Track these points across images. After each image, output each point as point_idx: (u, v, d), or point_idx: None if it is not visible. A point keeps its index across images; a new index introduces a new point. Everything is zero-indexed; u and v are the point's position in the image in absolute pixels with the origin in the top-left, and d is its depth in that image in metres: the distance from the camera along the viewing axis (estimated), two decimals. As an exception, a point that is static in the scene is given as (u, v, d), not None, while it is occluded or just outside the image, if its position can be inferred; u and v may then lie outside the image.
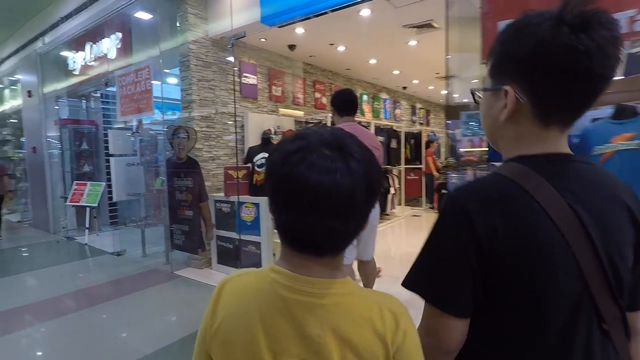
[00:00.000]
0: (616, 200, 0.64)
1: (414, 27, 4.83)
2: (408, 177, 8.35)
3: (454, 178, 7.58)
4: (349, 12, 3.79)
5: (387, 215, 7.17)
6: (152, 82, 4.33)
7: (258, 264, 3.91)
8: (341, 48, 5.74)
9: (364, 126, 4.18)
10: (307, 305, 0.56)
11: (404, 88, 9.34)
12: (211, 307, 0.62)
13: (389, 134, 7.45)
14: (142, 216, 5.31)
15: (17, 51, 7.22)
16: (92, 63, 5.84)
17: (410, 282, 0.68)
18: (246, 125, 5.10)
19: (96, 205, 5.85)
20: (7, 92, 8.89)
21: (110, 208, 6.86)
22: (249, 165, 4.29)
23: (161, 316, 3.26)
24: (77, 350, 2.69)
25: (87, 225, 5.92)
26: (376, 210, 2.90)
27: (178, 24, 4.39)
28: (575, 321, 0.60)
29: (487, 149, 2.81)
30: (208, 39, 4.52)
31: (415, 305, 0.71)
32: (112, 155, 5.51)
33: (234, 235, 4.10)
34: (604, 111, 2.36)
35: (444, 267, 0.64)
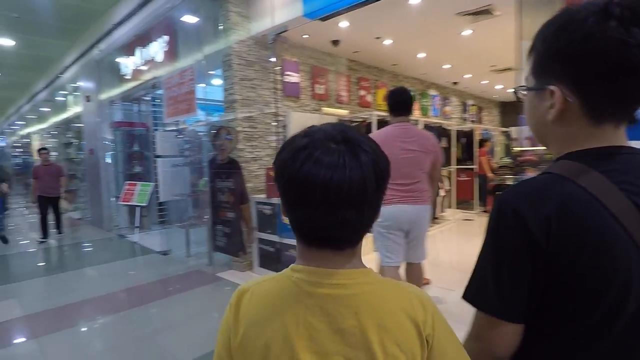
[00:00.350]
0: None
1: (469, 14, 4.41)
2: (459, 179, 7.82)
3: (510, 180, 7.03)
4: (397, 0, 3.51)
5: (437, 218, 6.73)
6: (196, 83, 4.35)
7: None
8: (388, 42, 5.43)
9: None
10: (337, 298, 0.55)
11: (455, 83, 8.80)
12: (231, 316, 0.61)
13: (438, 132, 6.97)
14: (187, 217, 5.37)
15: (77, 59, 7.69)
16: (142, 67, 6.03)
17: (470, 295, 0.65)
18: (288, 125, 4.97)
19: (145, 204, 6.03)
20: (71, 98, 9.57)
21: (159, 208, 7.09)
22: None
23: (201, 321, 3.18)
24: (114, 353, 2.68)
25: (137, 224, 6.15)
26: (428, 211, 2.67)
27: (221, 24, 4.36)
28: (637, 322, 0.56)
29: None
30: (250, 37, 4.44)
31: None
32: (159, 157, 5.64)
33: (275, 238, 3.98)
34: None
35: (499, 273, 0.61)
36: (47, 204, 6.17)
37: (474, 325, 0.66)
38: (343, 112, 5.94)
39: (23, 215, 9.38)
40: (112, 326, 3.12)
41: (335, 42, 5.30)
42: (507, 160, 7.91)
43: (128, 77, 6.52)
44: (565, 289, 0.57)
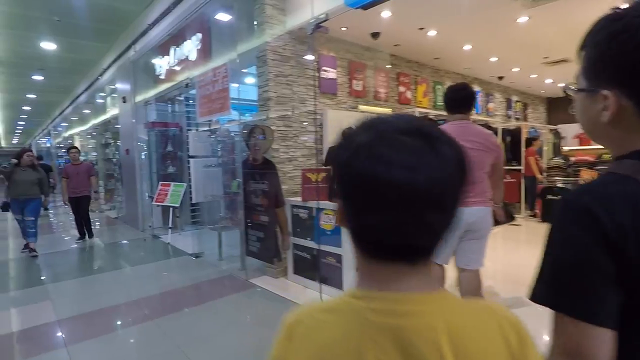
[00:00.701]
0: None
1: (528, -3, 3.96)
2: (504, 180, 7.27)
3: (561, 182, 6.41)
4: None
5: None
6: (229, 81, 4.17)
7: (338, 279, 3.49)
8: (432, 33, 5.04)
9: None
10: (415, 329, 0.46)
11: (500, 78, 8.21)
12: (281, 354, 0.53)
13: (484, 130, 6.50)
14: (219, 218, 5.23)
15: (114, 61, 7.80)
16: (176, 67, 5.97)
17: (540, 295, 0.58)
18: (325, 124, 4.69)
19: (178, 205, 5.97)
20: (109, 99, 9.81)
21: (192, 208, 7.03)
22: (329, 167, 3.86)
23: (233, 333, 2.97)
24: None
25: (170, 225, 6.10)
26: (489, 213, 2.47)
27: (256, 18, 4.15)
28: None
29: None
30: (286, 31, 4.20)
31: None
32: (192, 157, 5.54)
33: (312, 244, 3.72)
34: None
35: (581, 273, 0.54)
36: (76, 204, 6.21)
37: (558, 336, 0.57)
38: (383, 110, 5.60)
39: (66, 214, 9.69)
40: (142, 336, 2.97)
41: (375, 35, 4.97)
42: (558, 160, 7.25)
43: (162, 77, 6.49)
44: None
